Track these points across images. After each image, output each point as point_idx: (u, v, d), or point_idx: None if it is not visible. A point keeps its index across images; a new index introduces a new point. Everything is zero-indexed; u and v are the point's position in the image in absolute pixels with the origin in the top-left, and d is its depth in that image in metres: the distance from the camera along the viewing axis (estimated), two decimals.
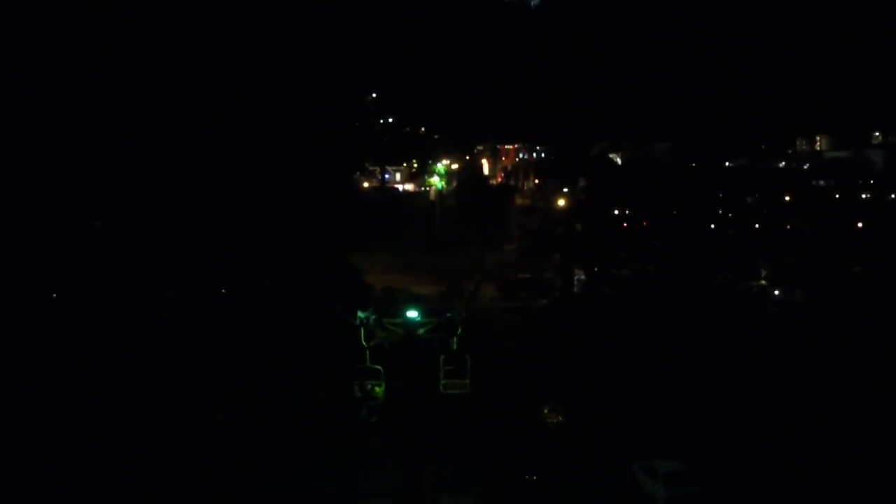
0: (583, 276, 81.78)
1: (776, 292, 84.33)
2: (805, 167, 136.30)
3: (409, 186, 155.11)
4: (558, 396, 60.46)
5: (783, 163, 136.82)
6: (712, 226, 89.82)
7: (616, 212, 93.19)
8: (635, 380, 60.73)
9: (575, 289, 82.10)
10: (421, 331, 36.96)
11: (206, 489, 47.70)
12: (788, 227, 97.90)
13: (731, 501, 47.14)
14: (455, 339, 36.71)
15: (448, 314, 37.63)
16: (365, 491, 46.69)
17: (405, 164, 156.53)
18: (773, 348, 66.51)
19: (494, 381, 61.42)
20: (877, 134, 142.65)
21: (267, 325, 65.25)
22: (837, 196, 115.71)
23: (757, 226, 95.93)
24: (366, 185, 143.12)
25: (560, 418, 58.31)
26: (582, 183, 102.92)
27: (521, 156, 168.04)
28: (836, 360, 65.28)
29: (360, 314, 37.22)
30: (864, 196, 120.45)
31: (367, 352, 36.75)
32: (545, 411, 59.18)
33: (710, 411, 55.94)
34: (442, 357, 37.13)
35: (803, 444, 51.89)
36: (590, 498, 47.45)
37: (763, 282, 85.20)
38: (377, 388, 57.01)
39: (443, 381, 37.49)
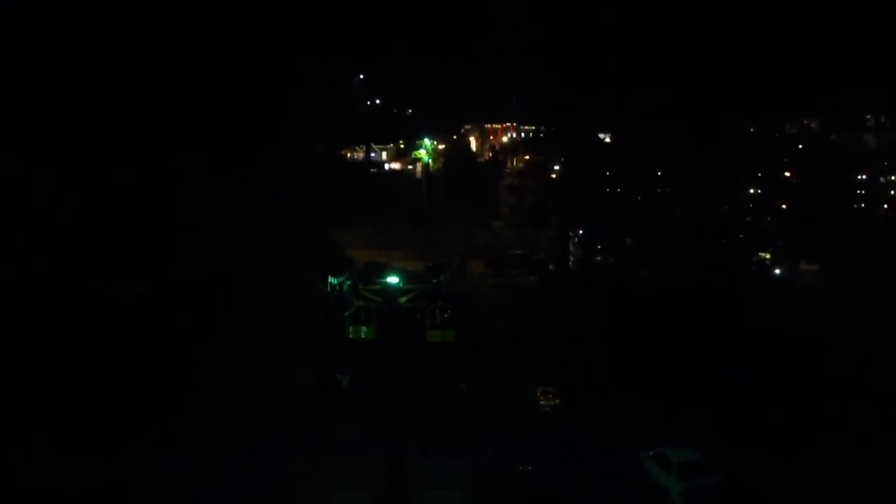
0: (579, 251, 78.20)
1: (777, 271, 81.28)
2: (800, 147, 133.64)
3: (396, 165, 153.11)
4: (553, 377, 56.20)
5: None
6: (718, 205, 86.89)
7: (609, 188, 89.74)
8: (639, 360, 56.87)
9: (570, 264, 78.70)
10: (402, 299, 33.27)
11: (172, 476, 44.15)
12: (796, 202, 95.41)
13: (755, 493, 42.79)
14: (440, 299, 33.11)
15: (433, 280, 34.22)
16: (341, 481, 43.10)
17: (391, 144, 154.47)
18: (782, 327, 62.97)
19: (483, 360, 57.87)
20: (868, 117, 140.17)
21: (239, 303, 61.56)
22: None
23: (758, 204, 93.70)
24: (351, 162, 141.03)
25: (557, 401, 53.95)
26: (574, 158, 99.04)
27: (509, 135, 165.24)
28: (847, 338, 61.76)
29: (332, 280, 33.47)
30: (861, 178, 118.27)
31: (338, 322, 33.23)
32: (538, 392, 54.82)
33: (724, 395, 52.16)
34: (428, 308, 33.45)
35: (824, 430, 48.52)
36: (593, 492, 42.89)
37: (767, 255, 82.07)
38: (340, 376, 53.83)
39: (429, 332, 33.86)
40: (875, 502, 42.13)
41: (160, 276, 60.33)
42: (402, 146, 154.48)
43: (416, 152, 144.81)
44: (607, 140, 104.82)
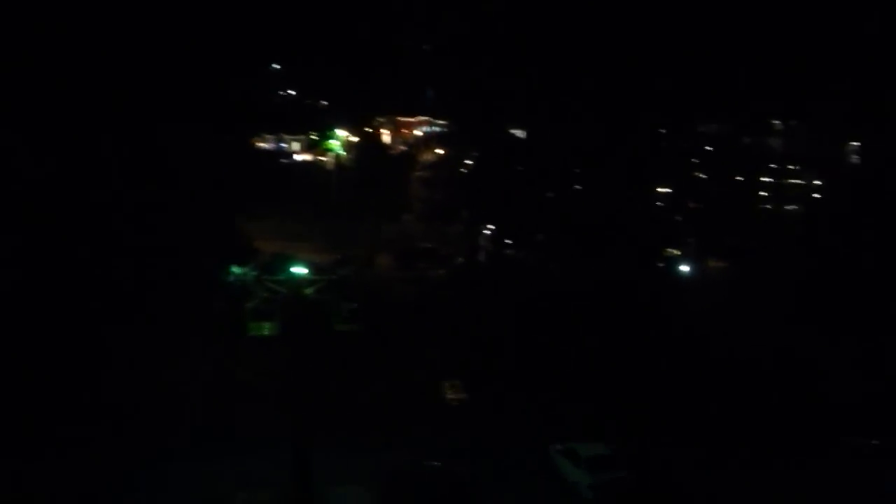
0: (489, 245, 78.25)
1: (684, 267, 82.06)
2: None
3: (308, 156, 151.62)
4: (461, 370, 55.54)
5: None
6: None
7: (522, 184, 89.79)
8: (548, 353, 56.75)
9: (479, 258, 78.69)
10: (308, 290, 32.49)
11: (62, 480, 41.95)
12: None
13: (662, 487, 42.86)
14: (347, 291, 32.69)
15: (341, 271, 33.72)
16: (249, 479, 41.35)
17: (304, 135, 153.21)
18: (688, 323, 63.77)
19: (391, 354, 57.09)
20: (777, 122, 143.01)
21: (135, 293, 59.55)
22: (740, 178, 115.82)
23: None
24: (261, 152, 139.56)
25: (464, 395, 53.28)
26: (487, 153, 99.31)
27: (422, 129, 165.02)
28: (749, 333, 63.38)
29: (235, 270, 32.61)
30: (765, 180, 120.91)
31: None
32: (446, 386, 54.10)
33: (631, 389, 52.42)
34: (334, 300, 32.96)
35: (727, 423, 49.29)
36: (503, 487, 42.28)
37: (677, 252, 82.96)
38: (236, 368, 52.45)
39: (335, 324, 33.44)
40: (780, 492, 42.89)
41: (49, 264, 58.27)
42: (314, 137, 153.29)
43: (327, 144, 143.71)
44: (521, 136, 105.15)
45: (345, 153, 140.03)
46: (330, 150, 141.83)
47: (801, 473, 44.90)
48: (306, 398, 32.89)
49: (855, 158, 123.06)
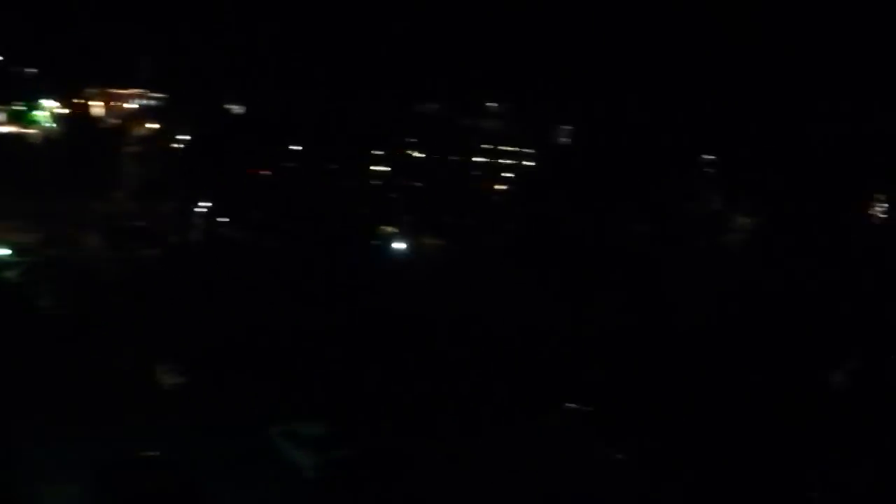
0: (204, 223, 77.09)
1: (400, 245, 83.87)
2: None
3: (12, 128, 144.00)
4: (177, 354, 53.97)
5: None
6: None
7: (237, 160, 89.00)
8: (265, 334, 56.53)
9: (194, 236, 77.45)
10: (10, 273, 31.14)
11: None
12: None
13: (386, 463, 43.50)
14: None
15: (46, 252, 32.49)
16: None
17: (9, 105, 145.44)
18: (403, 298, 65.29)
19: (102, 338, 54.92)
20: (492, 104, 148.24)
21: None
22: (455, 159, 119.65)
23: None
24: None
25: (179, 379, 51.80)
26: (202, 128, 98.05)
27: (137, 101, 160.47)
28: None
29: None
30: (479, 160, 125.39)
31: None
32: (160, 370, 52.41)
33: (348, 367, 53.04)
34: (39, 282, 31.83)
35: (443, 393, 51.34)
36: (225, 474, 41.08)
37: (393, 229, 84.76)
38: None
39: (40, 307, 32.37)
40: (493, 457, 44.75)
41: None
42: (19, 108, 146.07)
43: (33, 115, 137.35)
44: (238, 111, 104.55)
45: (53, 126, 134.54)
46: (36, 122, 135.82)
47: (514, 438, 46.97)
48: (8, 389, 31.27)
49: (564, 140, 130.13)
